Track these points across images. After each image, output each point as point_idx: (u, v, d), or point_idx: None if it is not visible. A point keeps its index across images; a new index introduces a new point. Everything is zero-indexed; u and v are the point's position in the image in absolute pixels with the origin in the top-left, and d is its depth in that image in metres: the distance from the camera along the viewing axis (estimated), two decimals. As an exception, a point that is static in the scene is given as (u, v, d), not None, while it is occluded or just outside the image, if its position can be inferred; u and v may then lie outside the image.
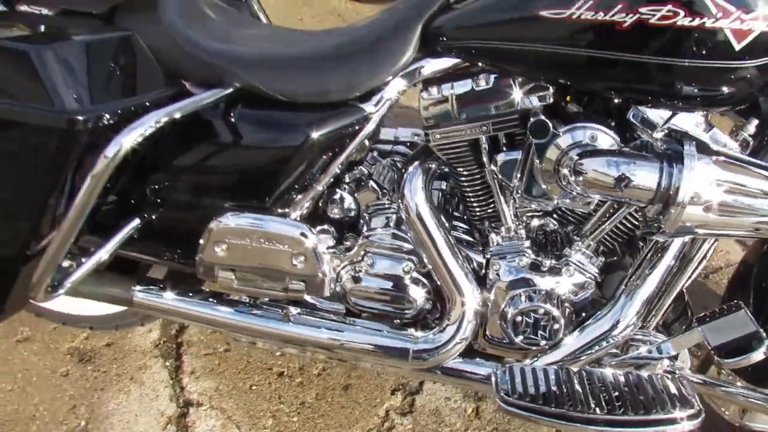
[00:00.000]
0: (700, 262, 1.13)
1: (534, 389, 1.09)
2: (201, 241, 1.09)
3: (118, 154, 0.92)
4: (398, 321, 1.24)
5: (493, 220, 1.20)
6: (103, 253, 1.12)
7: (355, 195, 1.25)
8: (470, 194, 1.18)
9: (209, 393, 1.48)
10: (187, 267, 1.27)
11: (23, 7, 1.14)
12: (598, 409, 1.03)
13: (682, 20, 0.88)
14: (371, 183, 1.25)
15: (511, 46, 1.02)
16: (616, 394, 1.07)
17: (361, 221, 1.24)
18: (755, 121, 1.04)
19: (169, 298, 1.22)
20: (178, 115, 0.97)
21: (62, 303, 1.42)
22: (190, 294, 1.23)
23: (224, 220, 1.07)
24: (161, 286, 1.23)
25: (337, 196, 1.22)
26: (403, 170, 1.24)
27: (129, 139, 0.93)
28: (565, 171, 1.02)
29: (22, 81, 0.90)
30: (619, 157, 0.98)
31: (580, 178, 1.00)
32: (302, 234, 1.09)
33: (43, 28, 1.07)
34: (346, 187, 1.23)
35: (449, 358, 1.19)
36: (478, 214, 1.20)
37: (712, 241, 1.11)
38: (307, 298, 1.22)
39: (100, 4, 1.13)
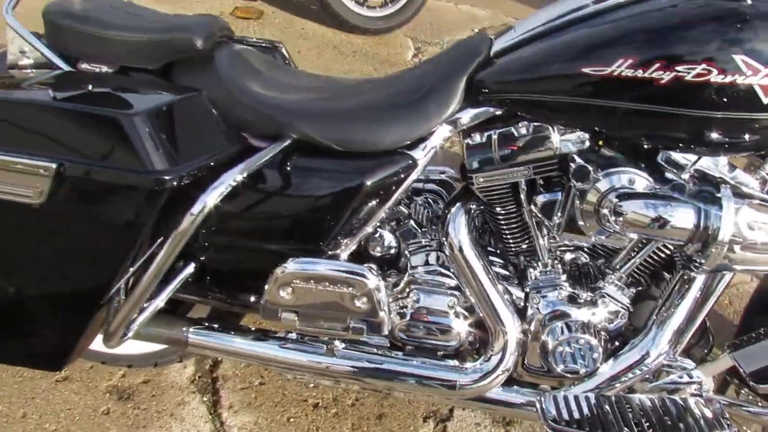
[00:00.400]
0: (722, 292, 1.23)
1: (578, 415, 1.16)
2: (266, 286, 1.14)
3: (202, 212, 0.98)
4: (440, 353, 1.30)
5: (526, 255, 1.28)
6: (163, 298, 1.17)
7: (396, 234, 1.32)
8: (506, 231, 1.25)
9: (249, 426, 1.51)
10: (237, 307, 1.32)
11: (84, 66, 1.19)
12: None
13: (716, 77, 0.98)
14: (411, 222, 1.33)
15: (552, 98, 1.11)
16: (655, 419, 1.15)
17: (402, 258, 1.31)
18: None
19: (221, 338, 1.26)
20: (250, 171, 1.03)
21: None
22: (240, 332, 1.28)
23: (290, 266, 1.12)
24: (213, 326, 1.27)
25: (378, 235, 1.29)
26: (437, 207, 1.33)
27: (212, 197, 0.99)
28: (606, 212, 1.10)
29: (107, 144, 0.95)
30: (657, 200, 1.06)
31: (621, 219, 1.08)
32: (366, 276, 1.15)
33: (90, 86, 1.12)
34: (387, 226, 1.31)
35: (493, 388, 1.26)
36: (513, 249, 1.27)
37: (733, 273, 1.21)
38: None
39: (156, 62, 1.20)
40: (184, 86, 1.13)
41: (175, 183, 0.95)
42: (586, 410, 1.18)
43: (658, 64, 0.99)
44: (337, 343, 1.27)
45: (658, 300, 1.25)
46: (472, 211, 1.25)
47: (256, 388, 1.60)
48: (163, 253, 1.03)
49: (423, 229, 1.32)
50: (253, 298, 1.26)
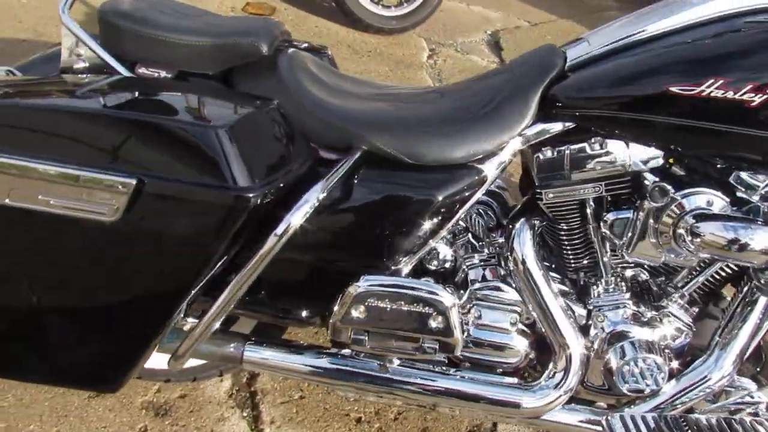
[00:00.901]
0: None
1: (649, 437, 1.15)
2: (337, 305, 1.10)
3: (287, 232, 0.94)
4: (500, 370, 1.28)
5: (587, 271, 1.26)
6: (222, 315, 1.12)
7: (452, 247, 1.29)
8: (569, 248, 1.23)
9: (292, 442, 1.48)
10: (290, 322, 1.29)
11: (142, 70, 1.14)
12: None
13: (808, 101, 0.96)
14: (469, 236, 1.30)
15: (632, 116, 1.08)
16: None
17: (459, 273, 1.28)
18: None
19: (275, 354, 1.22)
20: (330, 187, 1.00)
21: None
22: (294, 348, 1.24)
23: (364, 284, 1.09)
24: (267, 342, 1.23)
25: (434, 249, 1.26)
26: (488, 219, 1.30)
27: (297, 217, 0.96)
28: (682, 232, 1.08)
29: (189, 158, 0.90)
30: (735, 222, 1.05)
31: (698, 240, 1.06)
32: (443, 295, 1.11)
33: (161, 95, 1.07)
34: (443, 239, 1.27)
35: (556, 407, 1.23)
36: (573, 265, 1.25)
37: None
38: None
39: (217, 67, 1.15)
40: (257, 96, 1.08)
41: (258, 201, 0.91)
42: (650, 428, 1.17)
43: (750, 86, 0.98)
44: (394, 359, 1.24)
45: (720, 320, 1.24)
46: (536, 227, 1.23)
47: (296, 402, 1.56)
48: (244, 273, 0.98)
49: (481, 243, 1.29)
50: (308, 313, 1.23)
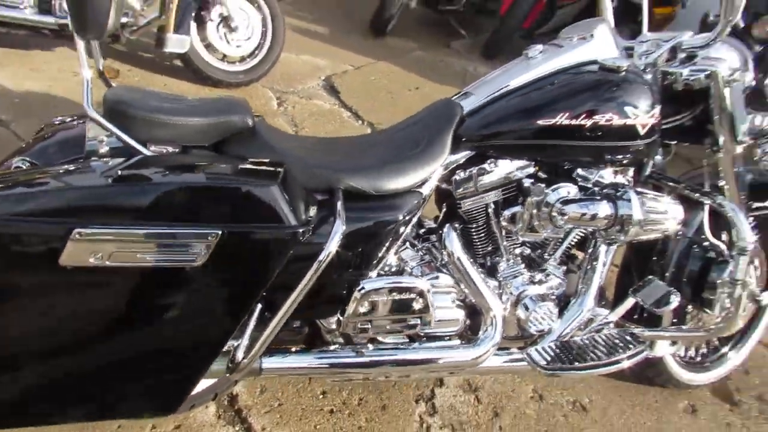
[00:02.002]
0: (612, 260, 1.83)
1: (553, 358, 1.67)
2: (348, 305, 1.45)
3: (327, 258, 1.28)
4: (447, 337, 1.71)
5: (493, 254, 1.75)
6: (278, 329, 1.40)
7: (398, 253, 1.70)
8: (482, 239, 1.71)
9: (285, 441, 1.75)
10: (301, 328, 1.59)
11: (153, 147, 1.38)
12: (602, 356, 1.65)
13: (616, 121, 1.56)
14: (408, 243, 1.73)
15: (514, 143, 1.60)
16: (601, 347, 1.71)
17: (409, 270, 1.70)
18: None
19: (289, 360, 1.52)
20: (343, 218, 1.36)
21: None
22: (301, 352, 1.55)
23: (367, 285, 1.45)
24: (278, 350, 1.52)
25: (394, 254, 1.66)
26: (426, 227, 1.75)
27: (334, 245, 1.29)
28: (555, 214, 1.61)
29: (255, 209, 1.20)
30: (586, 201, 1.61)
31: (566, 217, 1.60)
32: (420, 283, 1.52)
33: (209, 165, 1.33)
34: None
35: (490, 356, 1.70)
36: (485, 251, 1.74)
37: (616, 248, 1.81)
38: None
39: (213, 139, 1.43)
40: (266, 160, 1.38)
41: (302, 234, 1.23)
42: (555, 353, 1.69)
43: (584, 115, 1.55)
44: (372, 344, 1.61)
45: (579, 273, 1.82)
46: (457, 228, 1.69)
47: (277, 409, 1.83)
48: (294, 296, 1.29)
49: (418, 246, 1.72)
50: (325, 317, 1.55)
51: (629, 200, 1.57)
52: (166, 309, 1.21)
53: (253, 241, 1.21)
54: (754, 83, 1.77)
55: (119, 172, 1.18)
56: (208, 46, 3.61)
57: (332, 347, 1.57)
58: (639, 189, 1.64)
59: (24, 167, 1.32)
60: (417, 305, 1.54)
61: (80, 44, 1.34)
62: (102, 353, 1.22)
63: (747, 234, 1.66)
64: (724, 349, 2.19)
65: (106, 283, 1.16)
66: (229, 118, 1.42)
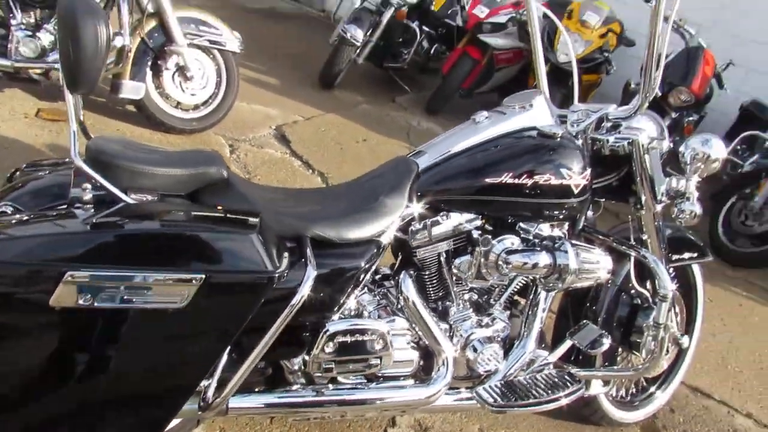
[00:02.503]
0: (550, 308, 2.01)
1: (500, 397, 1.81)
2: (315, 347, 1.55)
3: (300, 301, 1.38)
4: (401, 377, 1.82)
5: (444, 299, 1.89)
6: (249, 370, 1.47)
7: (357, 298, 1.82)
8: (431, 284, 1.86)
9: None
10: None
11: (133, 195, 1.46)
12: (543, 394, 1.80)
13: (554, 181, 1.76)
14: (366, 289, 1.85)
15: (463, 198, 1.77)
16: (541, 386, 1.86)
17: (367, 314, 1.81)
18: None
19: (254, 399, 1.59)
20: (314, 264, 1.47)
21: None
22: (265, 392, 1.62)
23: (331, 327, 1.56)
24: (244, 390, 1.59)
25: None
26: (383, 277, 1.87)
27: (306, 289, 1.39)
28: (501, 263, 1.78)
29: (235, 254, 1.29)
30: (528, 252, 1.78)
31: (510, 266, 1.76)
32: (380, 325, 1.63)
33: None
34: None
35: (441, 395, 1.81)
36: (436, 296, 1.88)
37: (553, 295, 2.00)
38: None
39: (190, 189, 1.52)
40: (243, 209, 1.48)
41: (277, 278, 1.34)
42: (502, 391, 1.83)
43: (525, 175, 1.74)
44: (332, 384, 1.70)
45: (521, 317, 1.99)
46: (412, 275, 1.83)
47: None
48: (267, 337, 1.38)
49: (375, 292, 1.85)
50: (291, 358, 1.63)
51: (566, 251, 1.76)
52: (147, 349, 1.28)
53: (233, 285, 1.30)
54: (671, 147, 2.02)
55: (108, 219, 1.26)
56: (163, 94, 3.69)
57: (294, 387, 1.66)
58: (574, 241, 1.84)
59: (9, 212, 1.37)
60: (378, 346, 1.65)
61: (69, 98, 1.43)
62: (82, 391, 1.26)
63: (667, 283, 1.87)
64: (652, 389, 2.39)
65: (92, 323, 1.22)
66: (206, 170, 1.52)
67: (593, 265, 1.81)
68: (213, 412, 1.46)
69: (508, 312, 1.97)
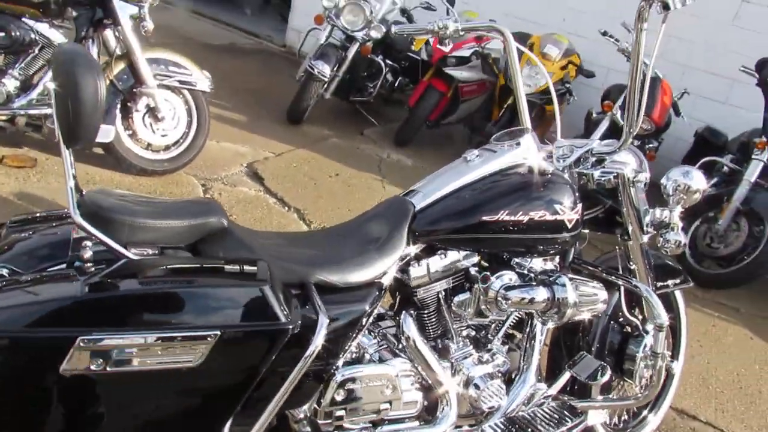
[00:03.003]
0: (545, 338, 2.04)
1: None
2: (325, 394, 1.51)
3: (314, 353, 1.35)
4: (408, 420, 1.80)
5: (443, 337, 1.89)
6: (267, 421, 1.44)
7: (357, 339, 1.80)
8: (431, 323, 1.86)
9: None
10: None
11: (134, 250, 1.41)
12: (549, 430, 1.81)
13: (549, 216, 1.79)
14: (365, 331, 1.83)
15: (460, 236, 1.79)
16: (544, 419, 1.87)
17: (368, 356, 1.79)
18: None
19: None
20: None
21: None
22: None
23: (339, 375, 1.53)
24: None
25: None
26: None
27: (320, 339, 1.37)
28: (500, 299, 1.79)
29: (249, 307, 1.26)
30: (527, 288, 1.80)
31: (509, 302, 1.78)
32: (392, 369, 1.62)
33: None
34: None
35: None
36: (433, 335, 1.88)
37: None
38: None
39: (190, 240, 1.49)
40: (246, 258, 1.45)
41: (292, 330, 1.31)
42: (507, 428, 1.83)
43: (521, 212, 1.77)
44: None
45: (519, 351, 2.00)
46: (413, 314, 1.82)
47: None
48: (283, 389, 1.34)
49: (374, 333, 1.83)
50: (301, 407, 1.58)
51: (564, 285, 1.79)
52: (160, 409, 1.24)
53: (248, 339, 1.28)
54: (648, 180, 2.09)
55: (114, 280, 1.22)
56: (133, 136, 3.63)
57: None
58: (570, 275, 1.87)
59: (5, 273, 1.31)
60: (388, 390, 1.63)
61: (66, 153, 1.39)
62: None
63: (662, 313, 1.92)
64: (645, 413, 2.43)
65: (104, 387, 1.17)
66: (206, 220, 1.49)
67: (591, 297, 1.84)
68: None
69: (506, 347, 1.98)
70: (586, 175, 1.98)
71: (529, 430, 1.84)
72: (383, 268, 1.70)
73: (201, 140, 3.87)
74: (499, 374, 1.92)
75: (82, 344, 1.11)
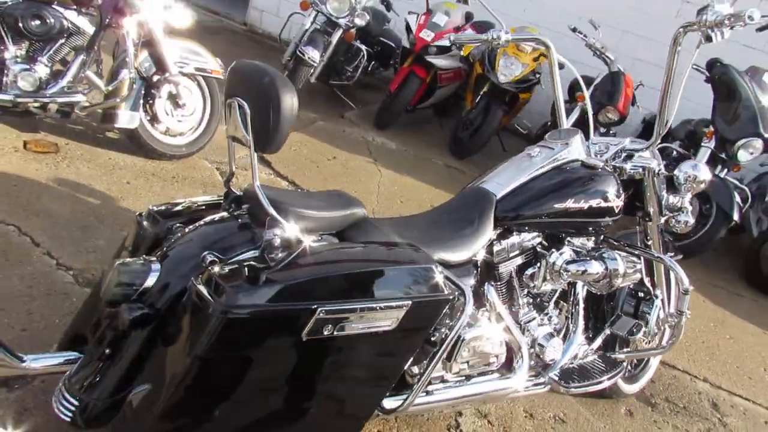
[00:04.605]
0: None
1: (571, 381, 2.22)
2: (454, 352, 1.85)
3: (467, 316, 1.70)
4: (489, 373, 2.17)
5: (514, 305, 2.27)
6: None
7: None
8: (507, 293, 2.23)
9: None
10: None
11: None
12: (597, 377, 2.24)
13: (601, 205, 2.19)
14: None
15: (534, 221, 2.16)
16: (596, 370, 2.30)
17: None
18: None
19: (412, 397, 1.85)
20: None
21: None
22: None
23: (468, 335, 1.87)
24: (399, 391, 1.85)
25: None
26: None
27: (470, 305, 1.71)
28: (561, 271, 2.18)
29: (424, 281, 1.58)
30: (583, 262, 2.21)
31: (569, 274, 2.18)
32: (498, 330, 1.98)
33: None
34: None
35: (524, 381, 2.19)
36: (506, 303, 2.25)
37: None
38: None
39: (339, 228, 1.77)
40: (399, 242, 1.75)
41: (452, 300, 1.65)
42: (568, 376, 2.24)
43: (582, 200, 2.16)
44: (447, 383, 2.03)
45: (567, 313, 2.41)
46: (493, 285, 2.18)
47: None
48: (444, 348, 1.68)
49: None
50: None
51: (614, 258, 2.21)
52: (360, 365, 1.55)
53: (424, 308, 1.60)
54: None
55: (329, 258, 1.52)
56: (152, 120, 3.74)
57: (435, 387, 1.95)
58: (614, 250, 2.29)
59: (211, 259, 1.54)
60: (496, 346, 1.99)
61: (254, 157, 1.63)
62: (311, 402, 1.52)
63: (684, 278, 2.37)
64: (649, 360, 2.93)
65: (327, 349, 1.46)
66: (354, 211, 1.79)
67: (634, 268, 2.27)
68: (396, 412, 1.73)
69: (557, 310, 2.39)
70: (618, 168, 2.40)
71: (584, 377, 2.26)
72: (479, 247, 2.05)
73: (214, 125, 4.01)
74: (556, 333, 2.32)
75: (322, 314, 1.40)
